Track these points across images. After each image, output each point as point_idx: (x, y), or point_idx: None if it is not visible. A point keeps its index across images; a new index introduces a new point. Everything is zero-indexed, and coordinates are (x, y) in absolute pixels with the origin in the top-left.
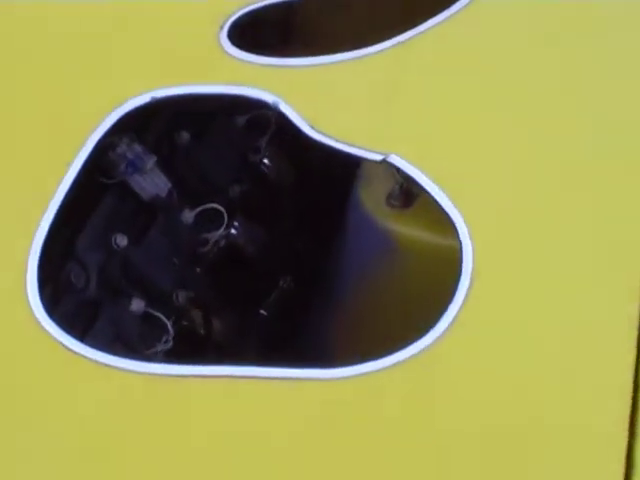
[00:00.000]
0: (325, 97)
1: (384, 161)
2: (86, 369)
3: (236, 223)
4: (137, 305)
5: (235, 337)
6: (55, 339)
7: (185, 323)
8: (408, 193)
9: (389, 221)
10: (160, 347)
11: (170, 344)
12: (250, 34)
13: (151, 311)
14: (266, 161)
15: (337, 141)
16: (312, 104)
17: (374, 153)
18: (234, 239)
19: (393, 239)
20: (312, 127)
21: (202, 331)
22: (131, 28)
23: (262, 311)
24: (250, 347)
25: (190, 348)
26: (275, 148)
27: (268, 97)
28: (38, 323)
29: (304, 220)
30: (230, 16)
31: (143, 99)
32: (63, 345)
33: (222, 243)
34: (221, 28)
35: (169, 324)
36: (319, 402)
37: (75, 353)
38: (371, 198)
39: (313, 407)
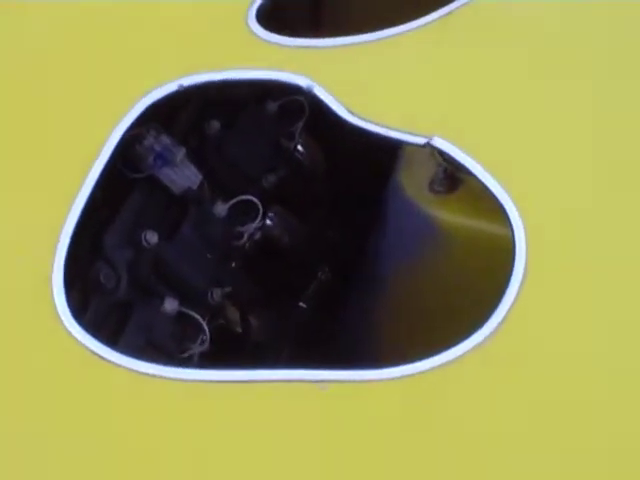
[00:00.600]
0: (361, 78)
1: (427, 144)
2: (115, 376)
3: (271, 213)
4: (171, 305)
5: (273, 332)
6: (82, 344)
7: (221, 322)
8: (452, 178)
9: (432, 207)
10: (196, 349)
11: (206, 345)
12: (277, 15)
13: (185, 310)
14: (300, 148)
15: (376, 125)
16: (348, 86)
17: (416, 136)
18: (269, 230)
19: (437, 226)
20: (349, 111)
21: (239, 329)
22: (156, 14)
23: (301, 304)
24: (290, 342)
25: (226, 348)
26: (309, 134)
27: (301, 81)
28: (64, 327)
29: (340, 208)
30: None
31: (170, 87)
32: (90, 350)
33: (257, 236)
34: (249, 9)
35: (204, 323)
36: (368, 405)
37: (103, 359)
38: (413, 183)
39: (363, 410)
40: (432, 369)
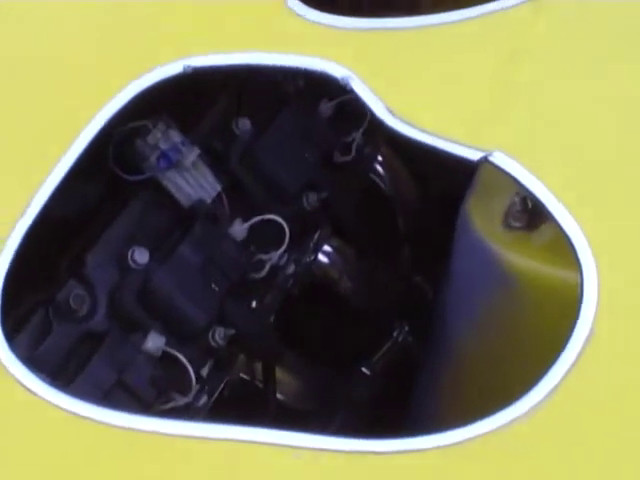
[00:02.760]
0: (413, 71)
1: (485, 160)
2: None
3: (328, 248)
4: (155, 342)
5: (314, 399)
6: (20, 383)
7: (234, 373)
8: (533, 211)
9: (505, 247)
10: (181, 401)
11: (197, 399)
12: None
13: (172, 351)
14: (379, 168)
15: (420, 130)
16: (394, 81)
17: (471, 149)
18: (323, 269)
19: (511, 273)
20: (389, 110)
21: (259, 384)
22: None
23: (364, 369)
24: (340, 412)
25: (240, 406)
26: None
27: (336, 70)
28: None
29: (422, 247)
30: None
31: (173, 69)
32: (29, 390)
33: (290, 270)
34: None
35: (192, 371)
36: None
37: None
38: (484, 215)
39: None
40: (482, 435)
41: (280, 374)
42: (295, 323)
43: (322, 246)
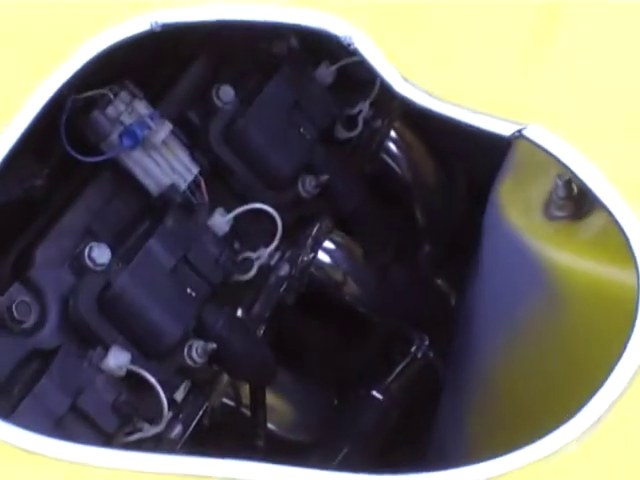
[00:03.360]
0: (431, 29)
1: (519, 135)
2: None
3: (330, 244)
4: (117, 359)
5: (310, 428)
6: None
7: (215, 398)
8: (580, 196)
9: (548, 243)
10: (150, 431)
11: (170, 429)
12: None
13: (138, 370)
14: (392, 146)
15: (439, 100)
16: (408, 40)
17: (503, 122)
18: (323, 269)
19: (553, 272)
20: (403, 77)
21: (246, 411)
22: None
23: (375, 393)
24: (336, 444)
25: (223, 438)
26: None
27: (338, 27)
28: None
29: (444, 243)
30: None
31: (138, 26)
32: None
33: (283, 271)
34: None
35: (163, 395)
36: None
37: None
38: (519, 204)
39: None
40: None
41: (271, 399)
42: (290, 336)
43: (322, 242)
